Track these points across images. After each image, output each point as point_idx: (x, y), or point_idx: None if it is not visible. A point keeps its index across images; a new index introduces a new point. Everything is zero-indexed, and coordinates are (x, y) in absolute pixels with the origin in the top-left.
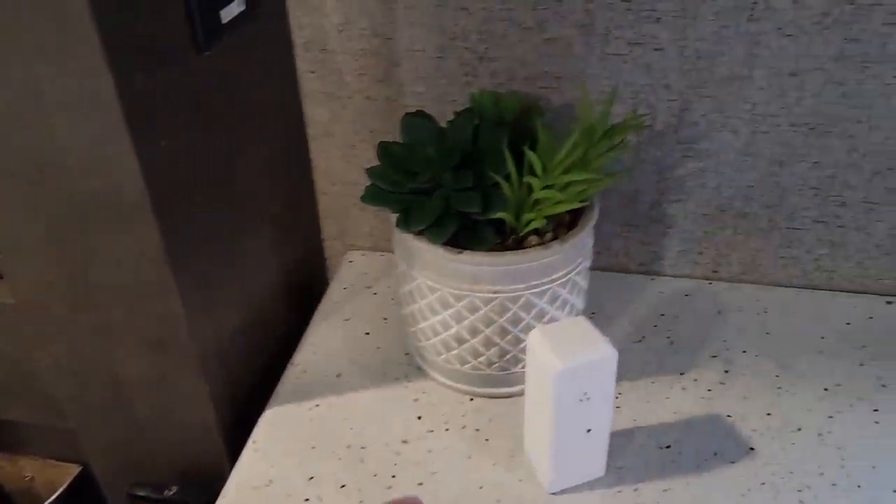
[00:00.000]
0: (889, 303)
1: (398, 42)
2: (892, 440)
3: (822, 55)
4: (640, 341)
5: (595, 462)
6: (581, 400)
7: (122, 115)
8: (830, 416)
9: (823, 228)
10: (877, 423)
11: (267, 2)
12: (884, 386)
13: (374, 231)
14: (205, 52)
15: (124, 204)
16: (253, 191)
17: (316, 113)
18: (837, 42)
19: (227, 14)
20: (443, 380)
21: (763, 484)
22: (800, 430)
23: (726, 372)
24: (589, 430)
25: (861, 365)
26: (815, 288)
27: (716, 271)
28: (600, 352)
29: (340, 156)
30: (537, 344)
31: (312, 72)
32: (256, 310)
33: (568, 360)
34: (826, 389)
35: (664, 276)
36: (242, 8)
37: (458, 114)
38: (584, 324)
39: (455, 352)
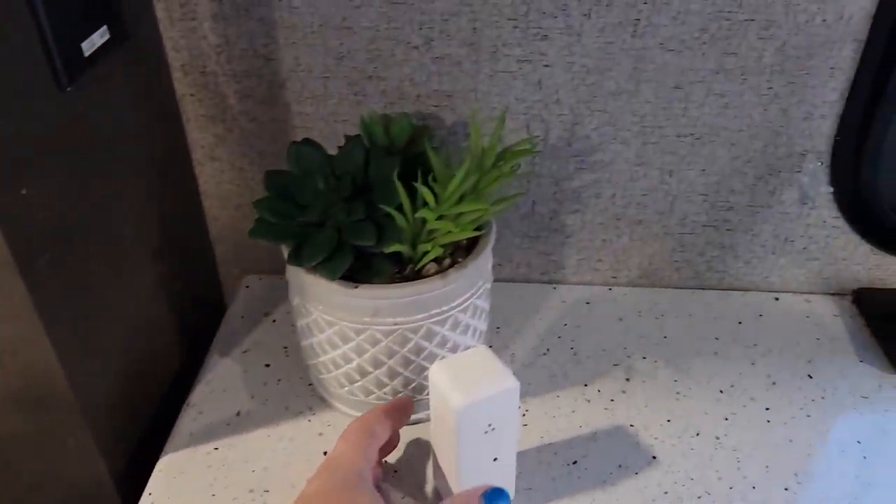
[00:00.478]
0: (776, 299)
1: (281, 62)
2: (782, 438)
3: (702, 68)
4: (545, 354)
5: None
6: (486, 431)
7: None
8: (726, 419)
9: (713, 232)
10: (768, 421)
11: (137, 27)
12: (774, 384)
13: (271, 254)
14: (67, 89)
15: None
16: (133, 225)
17: (200, 137)
18: (716, 56)
19: (90, 46)
20: (348, 411)
21: (666, 493)
22: (698, 434)
23: (627, 380)
24: (496, 459)
25: (752, 364)
26: (708, 288)
27: (615, 277)
28: (503, 384)
29: (229, 179)
30: (438, 379)
31: (192, 94)
32: (145, 350)
33: (470, 396)
34: (721, 391)
35: (566, 283)
36: (107, 37)
37: (347, 139)
38: (485, 354)
39: (358, 383)
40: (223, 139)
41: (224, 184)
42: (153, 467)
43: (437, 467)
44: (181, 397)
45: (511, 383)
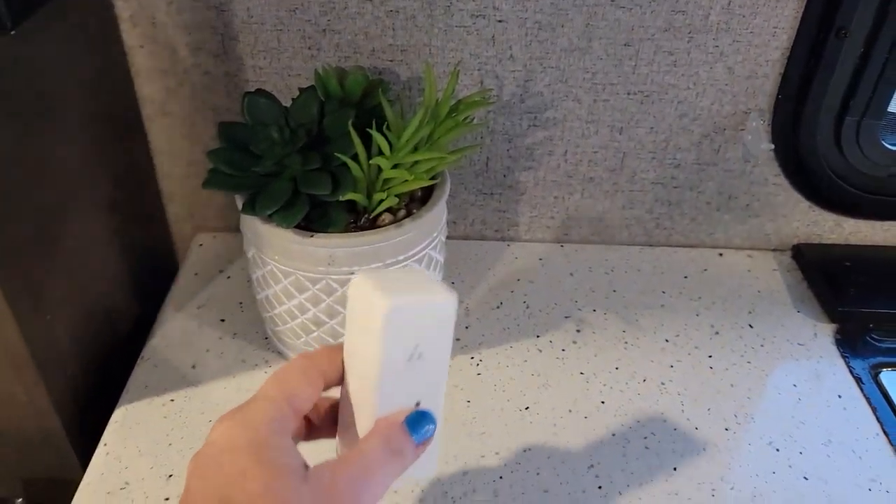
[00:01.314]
0: (720, 255)
1: (234, 14)
2: (724, 383)
3: (651, 26)
4: (498, 307)
5: (425, 456)
6: (412, 358)
7: None
8: (671, 366)
9: (661, 189)
10: (711, 368)
11: None
12: (717, 333)
13: (224, 211)
14: (11, 32)
15: None
16: (82, 178)
17: (150, 91)
18: (665, 14)
19: None
20: None
21: (614, 435)
22: (645, 381)
23: (578, 331)
24: (418, 403)
25: (697, 315)
26: (656, 245)
27: (567, 234)
28: (438, 294)
29: (181, 135)
30: (359, 287)
31: (142, 46)
32: (98, 304)
33: (400, 298)
34: (667, 341)
35: (520, 241)
36: None
37: (302, 91)
38: (417, 271)
39: (314, 334)
40: (174, 93)
41: (176, 139)
42: (108, 420)
43: (343, 416)
44: (135, 352)
45: (448, 296)
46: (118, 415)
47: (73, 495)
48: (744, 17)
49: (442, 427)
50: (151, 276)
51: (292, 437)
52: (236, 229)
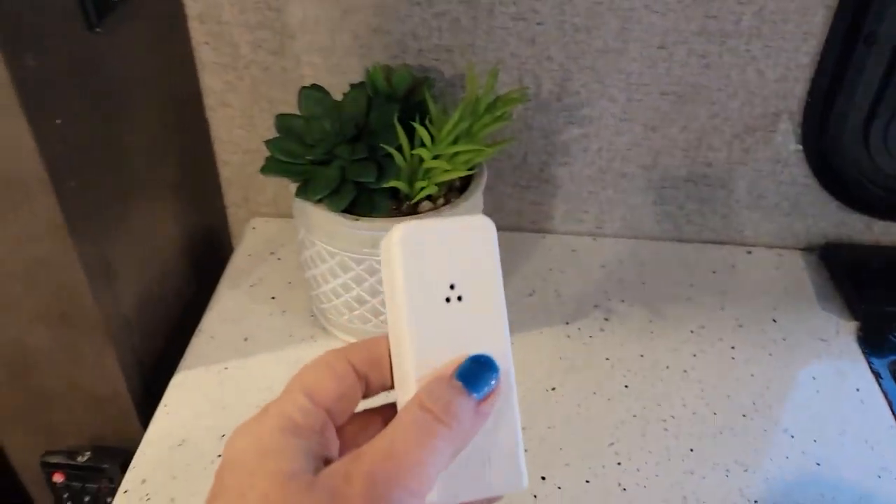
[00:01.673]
0: (749, 252)
1: (291, 15)
2: (744, 372)
3: (685, 30)
4: (530, 295)
5: (506, 462)
6: (449, 298)
7: (16, 95)
8: (694, 355)
9: (693, 186)
10: (733, 358)
11: None
12: (741, 326)
13: (277, 198)
14: (96, 29)
15: (23, 182)
16: (151, 162)
17: (212, 83)
18: (698, 18)
19: None
20: (347, 338)
21: (635, 416)
22: (668, 368)
23: (606, 320)
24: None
25: (722, 309)
26: (686, 241)
27: (599, 228)
28: (471, 221)
29: (240, 125)
30: (387, 236)
31: (207, 43)
32: (161, 278)
33: (417, 223)
34: (692, 332)
35: (554, 233)
36: None
37: (352, 87)
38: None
39: (357, 312)
40: (235, 86)
41: (235, 129)
42: (167, 384)
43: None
44: (193, 325)
45: (480, 220)
46: (177, 379)
47: (135, 450)
48: (775, 23)
49: (518, 426)
50: (209, 255)
51: (317, 432)
52: (287, 214)
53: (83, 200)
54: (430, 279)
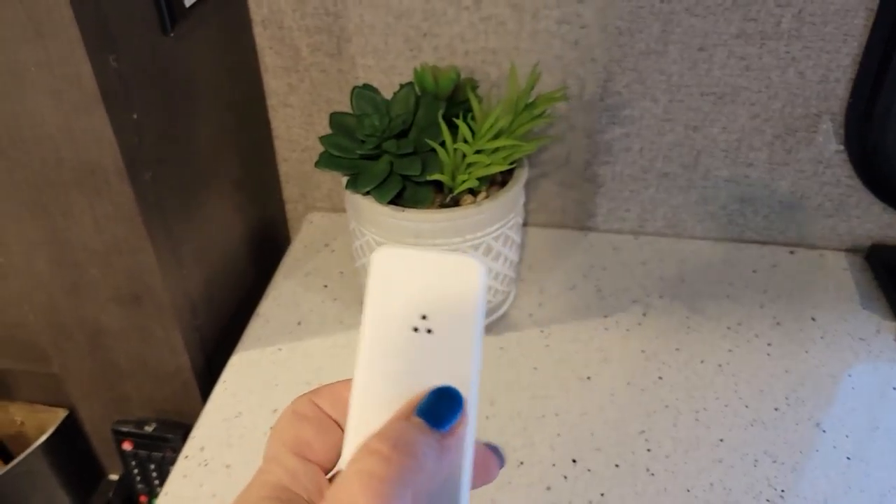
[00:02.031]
0: (791, 252)
1: (348, 20)
2: (779, 368)
3: (725, 33)
4: (571, 289)
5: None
6: (417, 328)
7: (98, 93)
8: (730, 350)
9: (734, 187)
10: (768, 355)
11: None
12: (778, 324)
13: (332, 193)
14: (170, 34)
15: (101, 171)
16: (216, 157)
17: (275, 85)
18: (738, 21)
19: None
20: None
21: (667, 406)
22: (703, 362)
23: (644, 315)
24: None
25: (761, 307)
26: (728, 240)
27: (641, 226)
28: (457, 257)
29: (299, 124)
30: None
31: (270, 47)
32: (223, 266)
33: (398, 247)
34: (728, 328)
35: (596, 231)
36: None
37: (402, 86)
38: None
39: None
40: (295, 88)
41: (294, 128)
42: (225, 363)
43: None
44: (251, 309)
45: (465, 258)
46: (235, 359)
47: (195, 421)
48: (815, 24)
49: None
50: (268, 245)
51: (311, 483)
52: (341, 209)
53: (155, 191)
54: (397, 304)
